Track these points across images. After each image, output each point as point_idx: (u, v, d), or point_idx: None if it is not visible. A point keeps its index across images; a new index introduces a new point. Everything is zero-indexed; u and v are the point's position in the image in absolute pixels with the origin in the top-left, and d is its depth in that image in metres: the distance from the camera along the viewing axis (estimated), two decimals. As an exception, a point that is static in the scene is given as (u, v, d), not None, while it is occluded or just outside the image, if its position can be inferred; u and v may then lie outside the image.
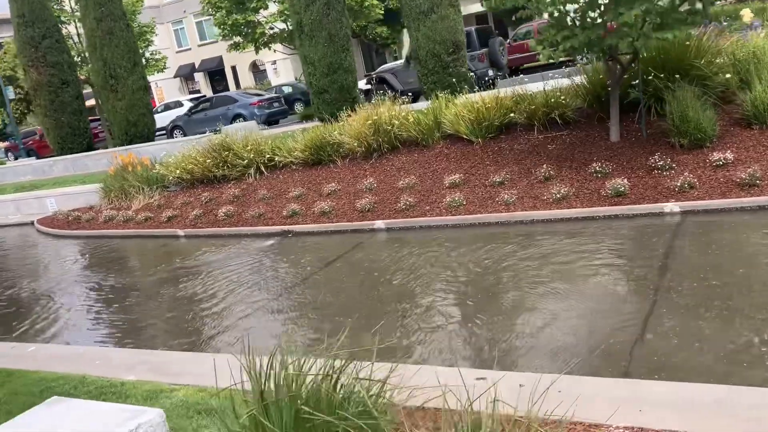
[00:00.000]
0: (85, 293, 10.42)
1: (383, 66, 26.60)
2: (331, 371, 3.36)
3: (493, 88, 16.73)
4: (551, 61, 9.53)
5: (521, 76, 13.71)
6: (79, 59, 28.09)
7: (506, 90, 12.25)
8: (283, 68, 43.99)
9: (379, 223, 10.56)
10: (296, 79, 42.02)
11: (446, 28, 15.36)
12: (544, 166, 10.21)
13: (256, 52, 23.20)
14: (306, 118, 24.31)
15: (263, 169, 14.11)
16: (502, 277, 7.49)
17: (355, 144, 12.77)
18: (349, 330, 6.58)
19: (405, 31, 41.15)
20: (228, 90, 49.16)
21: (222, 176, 14.54)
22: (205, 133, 23.07)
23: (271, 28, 22.10)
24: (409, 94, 15.38)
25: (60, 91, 22.21)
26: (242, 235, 12.01)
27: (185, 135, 26.31)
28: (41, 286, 11.32)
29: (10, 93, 29.11)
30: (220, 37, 22.02)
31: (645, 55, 10.15)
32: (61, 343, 8.23)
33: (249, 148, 14.20)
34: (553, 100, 11.30)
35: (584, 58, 12.42)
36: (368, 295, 7.85)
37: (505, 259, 8.05)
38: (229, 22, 20.94)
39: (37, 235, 16.25)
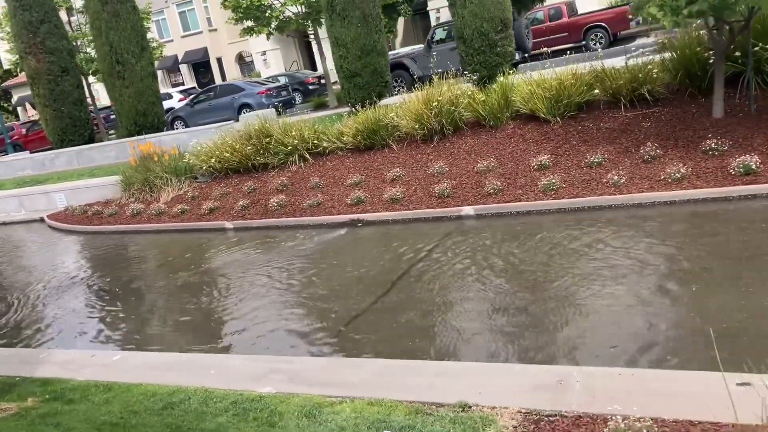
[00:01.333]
0: (152, 293, 9.34)
1: (400, 50, 25.65)
2: None
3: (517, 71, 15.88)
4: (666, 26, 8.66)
5: (599, 52, 12.90)
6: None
7: (556, 69, 11.42)
8: (273, 59, 42.67)
9: (467, 209, 9.66)
10: (286, 69, 40.83)
11: (495, 4, 14.42)
12: (649, 144, 9.40)
13: (267, 38, 22.01)
14: (320, 106, 23.32)
15: (307, 155, 13.12)
16: (679, 266, 6.65)
17: (417, 126, 11.85)
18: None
19: (401, 20, 40.30)
20: (213, 82, 47.67)
21: (261, 164, 13.51)
22: (207, 124, 21.93)
23: (281, 12, 20.91)
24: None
25: (60, 79, 20.79)
26: (304, 226, 11.01)
27: (187, 126, 25.01)
28: (98, 287, 10.22)
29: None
30: (233, 22, 20.77)
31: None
32: (148, 350, 7.19)
33: (293, 133, 13.18)
34: (641, 75, 10.52)
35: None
36: (524, 290, 6.96)
37: (658, 244, 7.23)
38: (244, 5, 19.73)
39: (54, 233, 14.99)
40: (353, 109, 16.57)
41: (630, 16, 25.47)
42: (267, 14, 20.99)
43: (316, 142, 13.04)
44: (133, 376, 6.20)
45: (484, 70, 14.68)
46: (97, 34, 19.34)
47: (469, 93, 11.83)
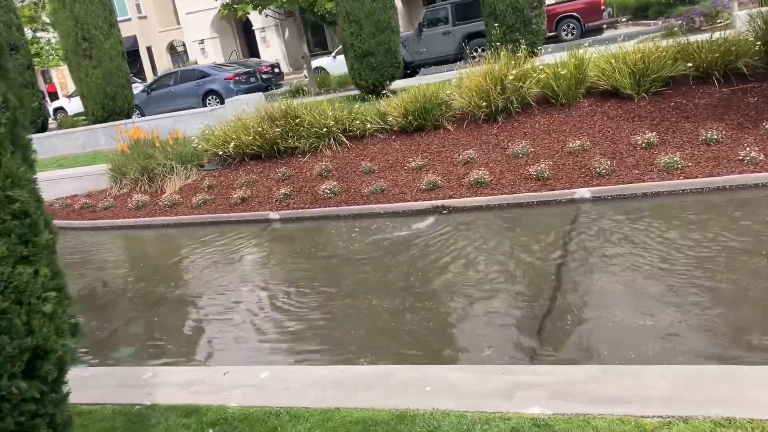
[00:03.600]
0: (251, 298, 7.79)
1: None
2: None
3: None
4: None
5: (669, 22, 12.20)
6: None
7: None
8: (211, 48, 40.37)
9: (582, 192, 8.65)
10: (226, 59, 38.67)
11: (531, -22, 13.59)
12: (773, 119, 8.73)
13: (260, 13, 20.39)
14: (298, 91, 21.76)
15: (344, 138, 11.76)
16: None
17: (483, 104, 10.75)
18: None
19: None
20: (143, 72, 44.77)
21: (287, 149, 12.03)
22: (168, 112, 20.02)
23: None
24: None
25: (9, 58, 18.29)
26: (373, 215, 9.68)
27: (143, 115, 22.90)
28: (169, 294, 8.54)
29: None
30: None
31: None
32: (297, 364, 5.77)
33: (331, 114, 11.78)
34: (734, 48, 9.87)
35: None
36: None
37: None
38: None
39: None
40: (363, 92, 15.32)
41: (603, 6, 25.36)
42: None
43: (358, 123, 11.71)
44: (314, 398, 4.79)
45: (517, 50, 13.79)
46: (60, 7, 17.06)
47: (541, 67, 10.85)
